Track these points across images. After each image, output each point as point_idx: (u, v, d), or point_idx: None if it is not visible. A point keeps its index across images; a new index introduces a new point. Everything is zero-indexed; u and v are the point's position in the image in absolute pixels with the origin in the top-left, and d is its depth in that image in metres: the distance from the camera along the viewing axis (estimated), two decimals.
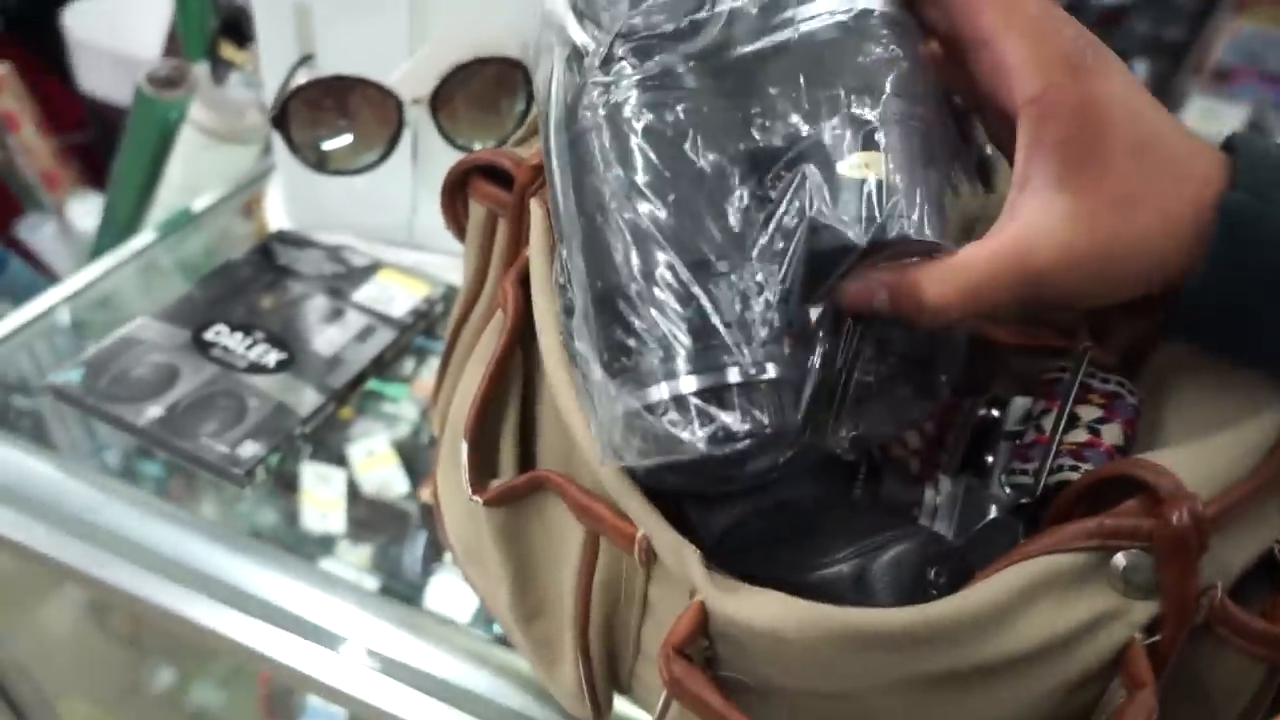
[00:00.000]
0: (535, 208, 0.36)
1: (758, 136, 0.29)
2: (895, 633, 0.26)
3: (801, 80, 0.29)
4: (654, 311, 0.28)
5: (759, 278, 0.28)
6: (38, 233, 1.15)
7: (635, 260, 0.28)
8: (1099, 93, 0.27)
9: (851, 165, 0.29)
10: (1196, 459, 0.29)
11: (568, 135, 0.30)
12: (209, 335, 0.59)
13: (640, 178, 0.29)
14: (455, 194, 0.43)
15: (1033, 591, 0.27)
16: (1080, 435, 0.34)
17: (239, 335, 0.60)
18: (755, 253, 0.28)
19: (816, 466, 0.38)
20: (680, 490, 0.32)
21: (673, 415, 0.27)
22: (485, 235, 0.41)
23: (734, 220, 0.29)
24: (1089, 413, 0.34)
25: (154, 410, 0.54)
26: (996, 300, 0.28)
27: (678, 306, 0.28)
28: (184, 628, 0.48)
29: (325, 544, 0.73)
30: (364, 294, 0.65)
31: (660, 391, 0.27)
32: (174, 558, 0.49)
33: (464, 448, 0.36)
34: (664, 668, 0.28)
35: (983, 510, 0.37)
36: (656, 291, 0.28)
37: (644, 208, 0.28)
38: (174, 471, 0.61)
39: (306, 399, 0.56)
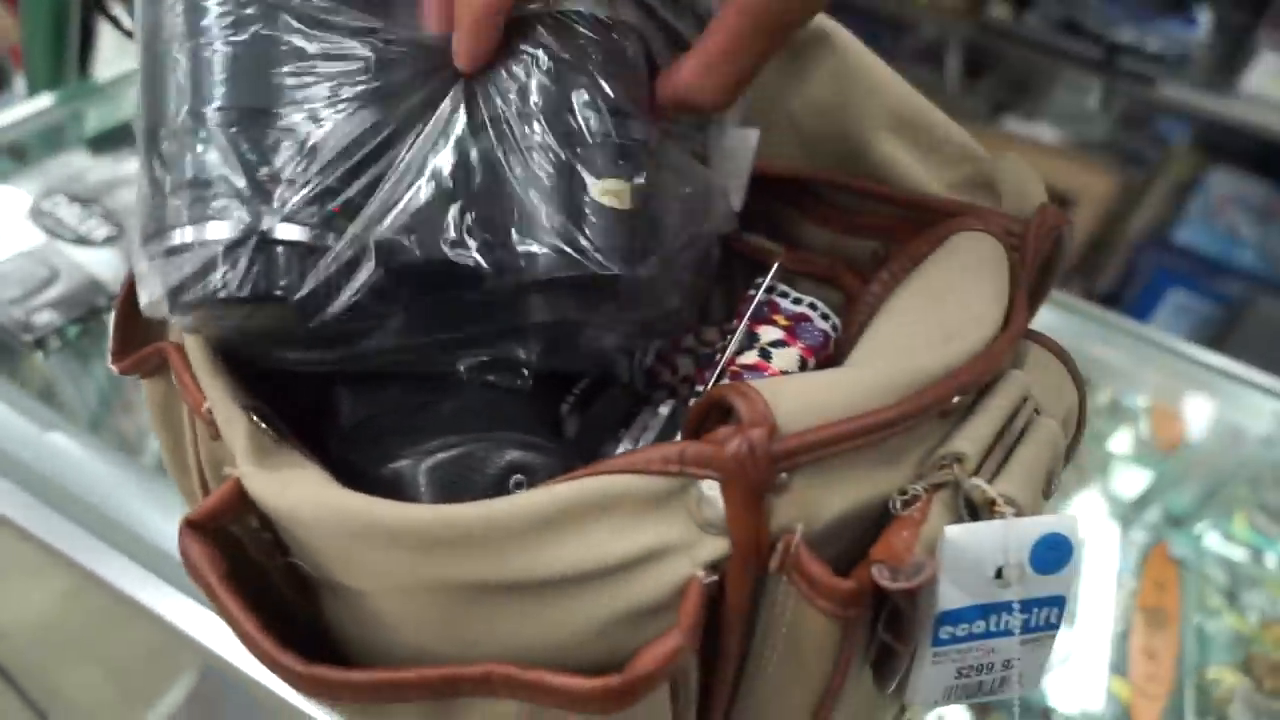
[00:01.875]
0: None
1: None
2: (407, 529, 0.24)
3: None
4: (186, 153, 0.25)
5: (318, 139, 0.25)
6: (7, 108, 1.16)
7: (182, 97, 0.26)
8: None
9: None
10: (818, 388, 0.26)
11: None
12: (46, 204, 0.59)
13: (210, 17, 0.26)
14: None
15: (591, 510, 0.24)
16: (750, 357, 0.31)
17: (77, 207, 0.59)
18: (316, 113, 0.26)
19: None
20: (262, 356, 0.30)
21: (165, 263, 0.25)
22: None
23: (296, 75, 0.26)
24: (769, 334, 0.31)
25: None
26: (752, 53, 0.28)
27: (209, 151, 0.25)
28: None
29: None
30: None
31: (171, 237, 0.25)
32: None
33: (112, 315, 0.34)
34: (179, 542, 0.26)
35: (674, 435, 0.34)
36: (195, 132, 0.25)
37: (206, 46, 0.26)
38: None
39: (122, 275, 0.55)
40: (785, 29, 0.29)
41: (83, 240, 0.57)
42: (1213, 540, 0.74)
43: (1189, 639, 0.65)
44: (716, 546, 0.25)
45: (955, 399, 0.27)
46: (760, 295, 0.32)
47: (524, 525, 0.24)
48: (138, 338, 0.35)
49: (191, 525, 0.26)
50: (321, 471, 0.26)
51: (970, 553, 0.24)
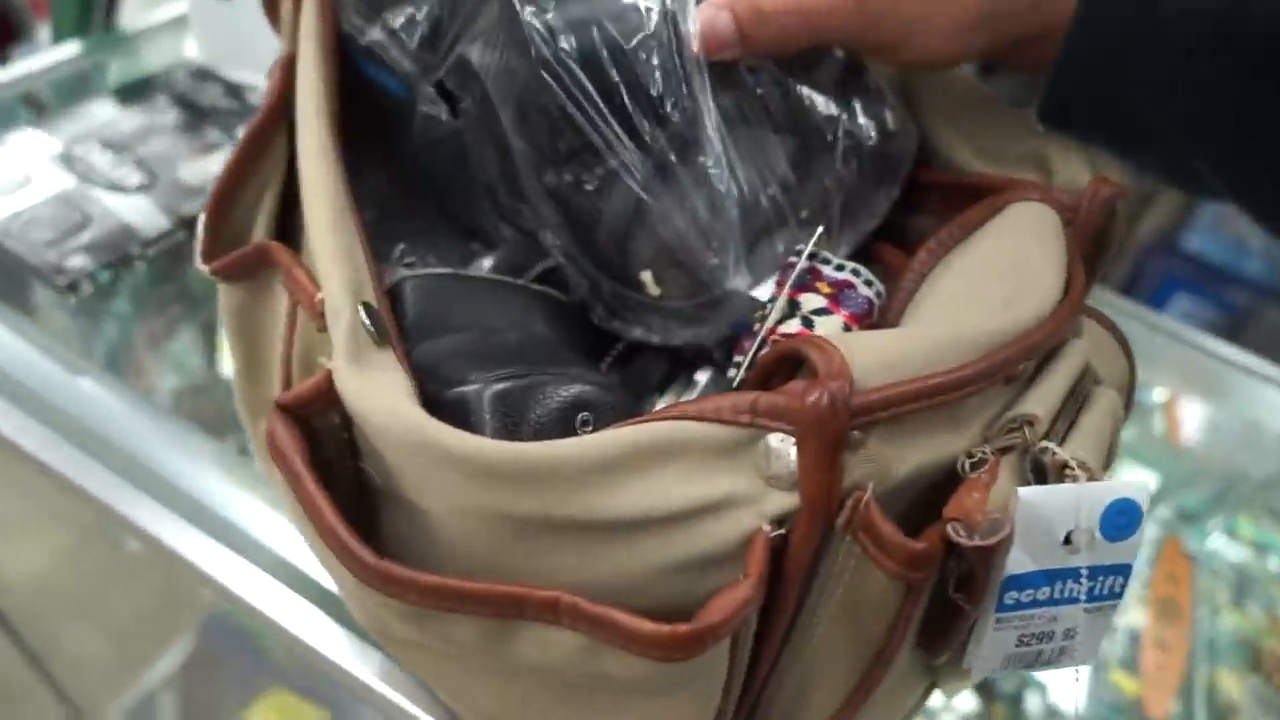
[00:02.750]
0: None
1: None
2: (470, 458, 0.24)
3: None
4: None
5: None
6: (28, 58, 1.15)
7: None
8: None
9: None
10: (890, 344, 0.25)
11: None
12: (78, 150, 0.58)
13: None
14: None
15: (658, 454, 0.24)
16: (793, 325, 0.30)
17: (109, 154, 0.58)
18: None
19: (564, 323, 0.35)
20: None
21: None
22: (292, 31, 0.40)
23: None
24: (811, 302, 0.31)
25: None
26: (828, 22, 0.31)
27: None
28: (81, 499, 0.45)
29: None
30: None
31: None
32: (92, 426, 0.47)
33: (201, 218, 0.34)
34: (268, 424, 0.26)
35: None
36: None
37: None
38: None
39: (155, 223, 0.54)
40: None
41: (115, 187, 0.56)
42: (1222, 539, 0.74)
43: (1201, 636, 0.65)
44: (783, 501, 0.24)
45: (1021, 365, 0.27)
46: (802, 263, 0.32)
47: (590, 466, 0.24)
48: (228, 240, 0.34)
49: (281, 408, 0.26)
50: (408, 384, 0.27)
51: (1043, 516, 0.24)
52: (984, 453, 0.25)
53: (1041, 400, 0.26)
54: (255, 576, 0.41)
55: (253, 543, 0.43)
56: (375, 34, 0.36)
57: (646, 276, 0.34)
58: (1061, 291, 0.29)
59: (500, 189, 0.36)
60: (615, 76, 0.32)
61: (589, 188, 0.33)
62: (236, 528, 0.44)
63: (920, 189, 0.37)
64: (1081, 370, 0.28)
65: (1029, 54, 0.32)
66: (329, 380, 0.27)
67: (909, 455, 0.25)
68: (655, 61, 0.32)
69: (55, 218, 0.53)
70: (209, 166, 0.59)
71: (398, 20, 0.36)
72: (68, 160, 0.57)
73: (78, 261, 0.51)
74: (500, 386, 0.27)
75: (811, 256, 0.32)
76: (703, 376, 0.36)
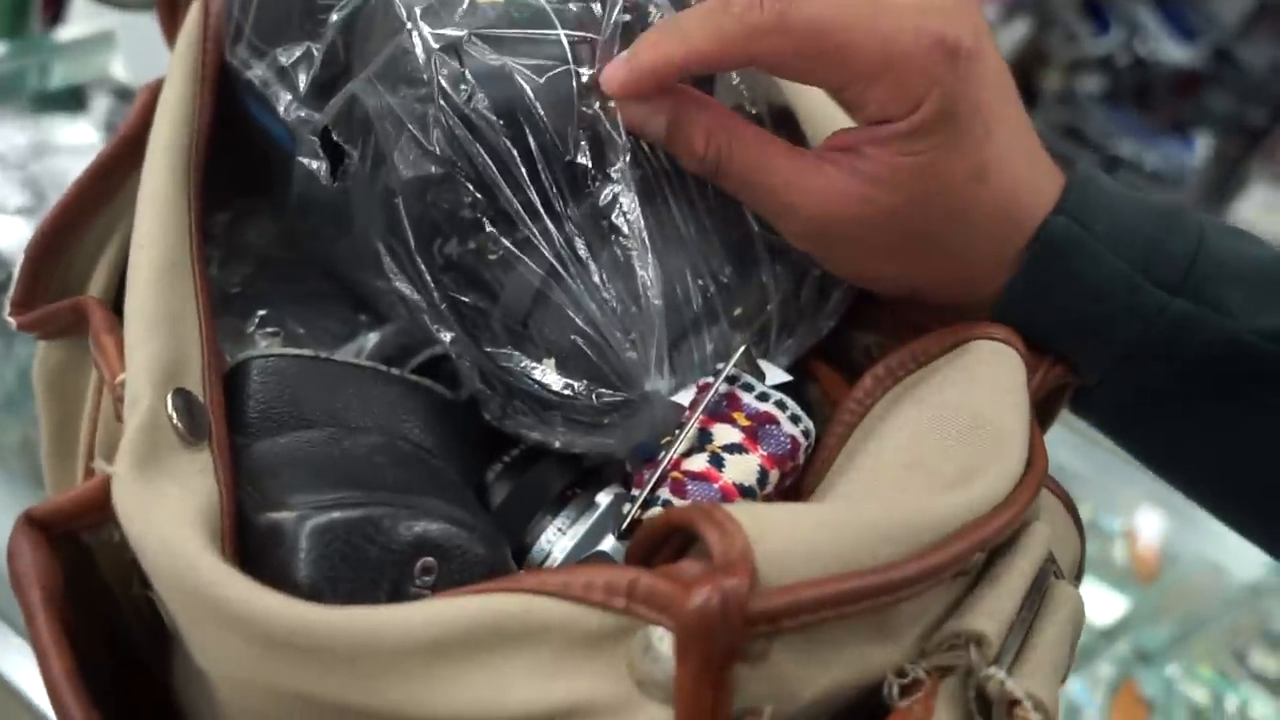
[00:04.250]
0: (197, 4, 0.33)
1: None
2: (245, 616, 0.18)
3: None
4: None
5: None
6: None
7: None
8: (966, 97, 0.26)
9: None
10: (811, 526, 0.20)
11: None
12: None
13: None
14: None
15: (503, 639, 0.19)
16: (698, 463, 0.25)
17: None
18: None
19: (445, 424, 0.30)
20: None
21: None
22: None
23: None
24: (725, 435, 0.26)
25: None
26: (753, 200, 0.28)
27: None
28: None
29: None
30: None
31: None
32: None
33: (19, 260, 0.28)
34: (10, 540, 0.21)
35: (600, 537, 0.28)
36: None
37: None
38: None
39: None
40: None
41: None
42: (1182, 683, 0.70)
43: None
44: (657, 716, 0.19)
45: (974, 558, 0.22)
46: (719, 384, 0.27)
47: (410, 647, 0.19)
48: (49, 290, 0.29)
49: (32, 522, 0.21)
50: (207, 501, 0.22)
51: None
52: (917, 672, 0.20)
53: (993, 611, 0.21)
54: None
55: None
56: (260, 70, 0.31)
57: (548, 367, 0.29)
58: (1025, 463, 0.24)
59: (386, 253, 0.31)
60: (529, 138, 0.27)
61: (491, 257, 0.29)
62: None
63: (869, 302, 0.33)
64: (1040, 565, 0.23)
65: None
66: (105, 489, 0.21)
67: (822, 672, 0.20)
68: (577, 126, 0.28)
69: None
70: None
71: (291, 55, 0.31)
72: None
73: None
74: (322, 519, 0.22)
75: (732, 380, 0.27)
76: (605, 498, 0.30)
